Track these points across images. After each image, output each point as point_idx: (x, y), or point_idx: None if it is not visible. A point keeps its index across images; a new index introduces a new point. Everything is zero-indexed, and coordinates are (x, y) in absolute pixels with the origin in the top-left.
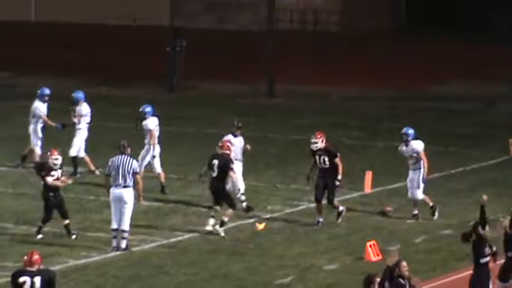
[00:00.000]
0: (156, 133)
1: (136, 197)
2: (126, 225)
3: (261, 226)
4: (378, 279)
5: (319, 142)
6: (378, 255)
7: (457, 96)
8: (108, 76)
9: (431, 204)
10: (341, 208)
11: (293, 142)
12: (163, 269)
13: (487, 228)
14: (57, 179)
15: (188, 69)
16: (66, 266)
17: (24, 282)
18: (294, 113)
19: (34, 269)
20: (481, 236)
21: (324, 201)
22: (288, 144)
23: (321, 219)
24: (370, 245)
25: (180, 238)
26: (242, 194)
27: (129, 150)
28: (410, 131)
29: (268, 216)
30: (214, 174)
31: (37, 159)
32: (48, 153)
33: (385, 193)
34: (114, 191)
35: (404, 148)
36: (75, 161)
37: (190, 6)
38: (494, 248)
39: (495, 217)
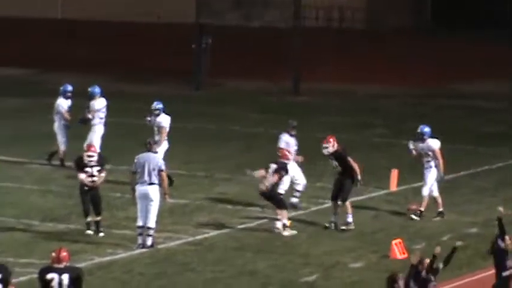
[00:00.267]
0: (167, 130)
1: (162, 195)
2: (152, 223)
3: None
4: (401, 278)
5: (329, 147)
6: (404, 253)
7: (481, 94)
8: (133, 73)
9: (421, 208)
10: (349, 219)
11: (318, 140)
12: (189, 266)
13: (507, 239)
14: (91, 175)
15: (214, 67)
16: (92, 263)
17: (52, 279)
18: (318, 111)
19: (62, 266)
20: (501, 249)
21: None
22: (313, 143)
23: (333, 219)
24: (396, 243)
25: (206, 235)
26: (299, 191)
27: (155, 147)
28: (426, 129)
29: (293, 213)
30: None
31: (61, 156)
32: (85, 149)
33: (410, 191)
34: (140, 188)
35: (420, 144)
36: None
37: (216, 4)
38: None
39: None
